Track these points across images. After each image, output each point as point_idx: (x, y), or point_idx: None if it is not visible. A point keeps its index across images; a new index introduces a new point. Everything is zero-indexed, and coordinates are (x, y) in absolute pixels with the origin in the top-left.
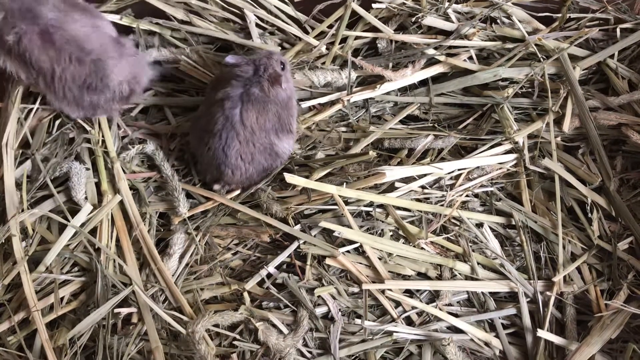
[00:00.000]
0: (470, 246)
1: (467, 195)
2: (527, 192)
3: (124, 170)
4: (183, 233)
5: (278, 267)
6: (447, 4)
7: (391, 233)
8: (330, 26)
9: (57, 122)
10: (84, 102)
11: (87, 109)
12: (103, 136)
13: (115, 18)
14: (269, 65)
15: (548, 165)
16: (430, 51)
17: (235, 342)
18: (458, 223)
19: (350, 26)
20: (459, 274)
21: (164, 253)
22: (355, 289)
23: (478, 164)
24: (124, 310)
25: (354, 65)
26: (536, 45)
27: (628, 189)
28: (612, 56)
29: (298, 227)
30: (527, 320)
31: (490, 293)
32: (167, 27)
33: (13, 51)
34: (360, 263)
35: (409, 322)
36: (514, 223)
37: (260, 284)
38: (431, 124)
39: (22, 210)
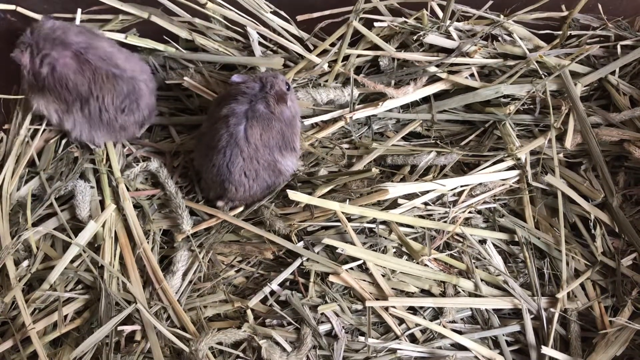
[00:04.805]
0: (474, 263)
1: (470, 212)
2: (530, 209)
3: (127, 188)
4: (186, 250)
5: (281, 284)
6: (448, 22)
7: (394, 250)
8: (333, 44)
9: (63, 142)
10: (116, 125)
11: (118, 132)
12: (107, 154)
13: (121, 37)
14: (275, 83)
15: (550, 182)
16: (432, 69)
17: None
18: (461, 239)
19: (352, 44)
20: (463, 290)
21: (168, 270)
22: (359, 306)
23: (481, 181)
24: (128, 328)
25: (356, 83)
26: (537, 62)
27: (631, 205)
28: (613, 73)
29: (301, 244)
30: (531, 337)
31: (494, 310)
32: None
33: (47, 84)
34: (364, 280)
35: (413, 339)
36: (517, 239)
37: (264, 301)
38: (433, 141)
39: (27, 229)
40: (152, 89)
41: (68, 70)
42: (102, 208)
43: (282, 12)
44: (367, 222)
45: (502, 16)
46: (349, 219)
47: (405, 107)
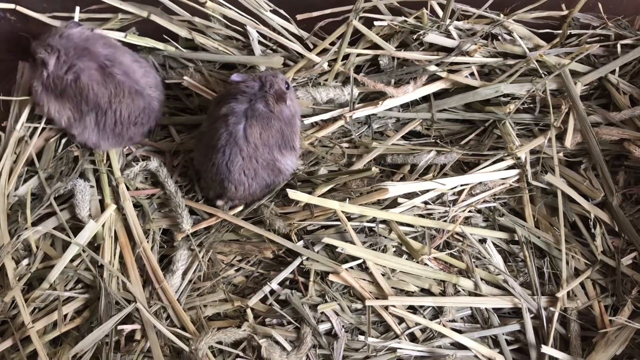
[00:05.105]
0: (474, 262)
1: (469, 211)
2: (530, 208)
3: (127, 187)
4: (186, 249)
5: (281, 284)
6: (448, 21)
7: (394, 249)
8: (333, 43)
9: (63, 141)
10: (126, 136)
11: (126, 141)
12: (107, 154)
13: (120, 36)
14: (275, 82)
15: (550, 181)
16: (432, 68)
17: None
18: (461, 239)
19: (352, 43)
20: (463, 289)
21: (168, 269)
22: (359, 305)
23: (480, 180)
24: (127, 327)
25: (356, 82)
26: (537, 61)
27: (631, 204)
28: (613, 72)
29: (301, 243)
30: (531, 336)
31: (493, 309)
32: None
33: (67, 91)
34: (364, 279)
35: (413, 338)
36: (517, 238)
37: (264, 300)
38: (433, 140)
39: (26, 228)
40: (162, 102)
41: (92, 82)
42: (102, 207)
43: (281, 11)
44: (367, 221)
45: (502, 15)
46: (349, 218)
47: (405, 106)
